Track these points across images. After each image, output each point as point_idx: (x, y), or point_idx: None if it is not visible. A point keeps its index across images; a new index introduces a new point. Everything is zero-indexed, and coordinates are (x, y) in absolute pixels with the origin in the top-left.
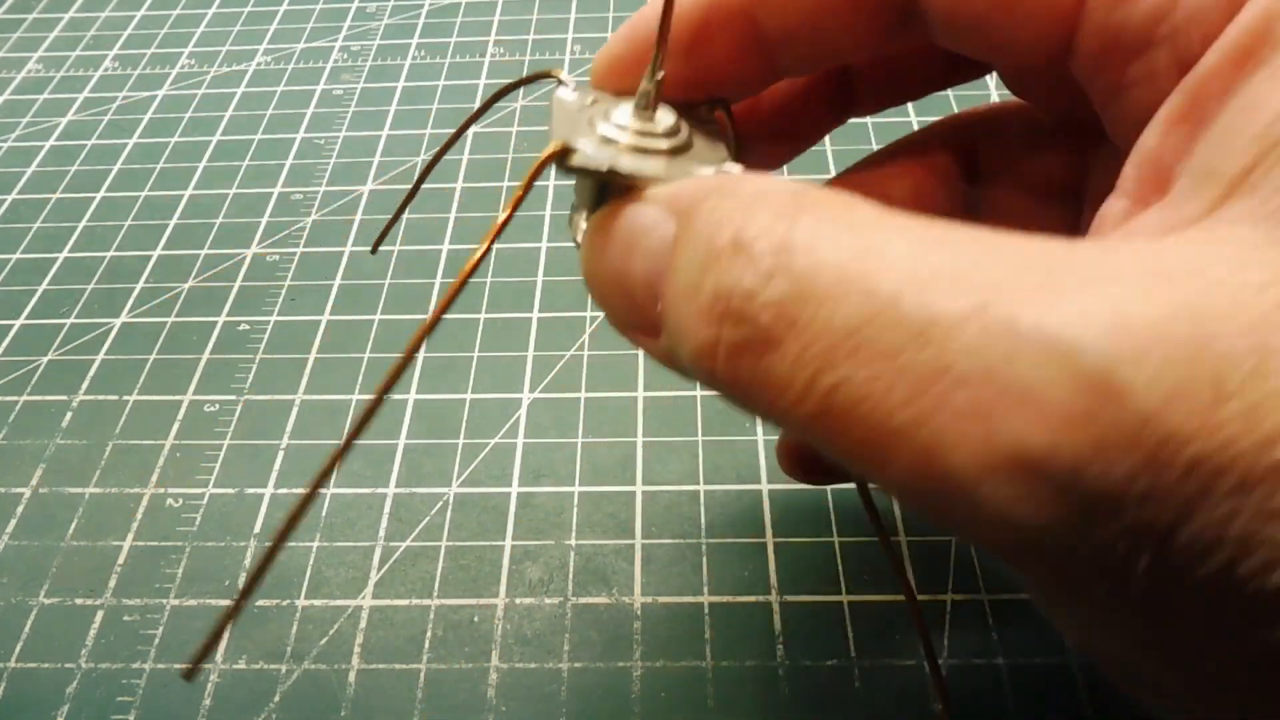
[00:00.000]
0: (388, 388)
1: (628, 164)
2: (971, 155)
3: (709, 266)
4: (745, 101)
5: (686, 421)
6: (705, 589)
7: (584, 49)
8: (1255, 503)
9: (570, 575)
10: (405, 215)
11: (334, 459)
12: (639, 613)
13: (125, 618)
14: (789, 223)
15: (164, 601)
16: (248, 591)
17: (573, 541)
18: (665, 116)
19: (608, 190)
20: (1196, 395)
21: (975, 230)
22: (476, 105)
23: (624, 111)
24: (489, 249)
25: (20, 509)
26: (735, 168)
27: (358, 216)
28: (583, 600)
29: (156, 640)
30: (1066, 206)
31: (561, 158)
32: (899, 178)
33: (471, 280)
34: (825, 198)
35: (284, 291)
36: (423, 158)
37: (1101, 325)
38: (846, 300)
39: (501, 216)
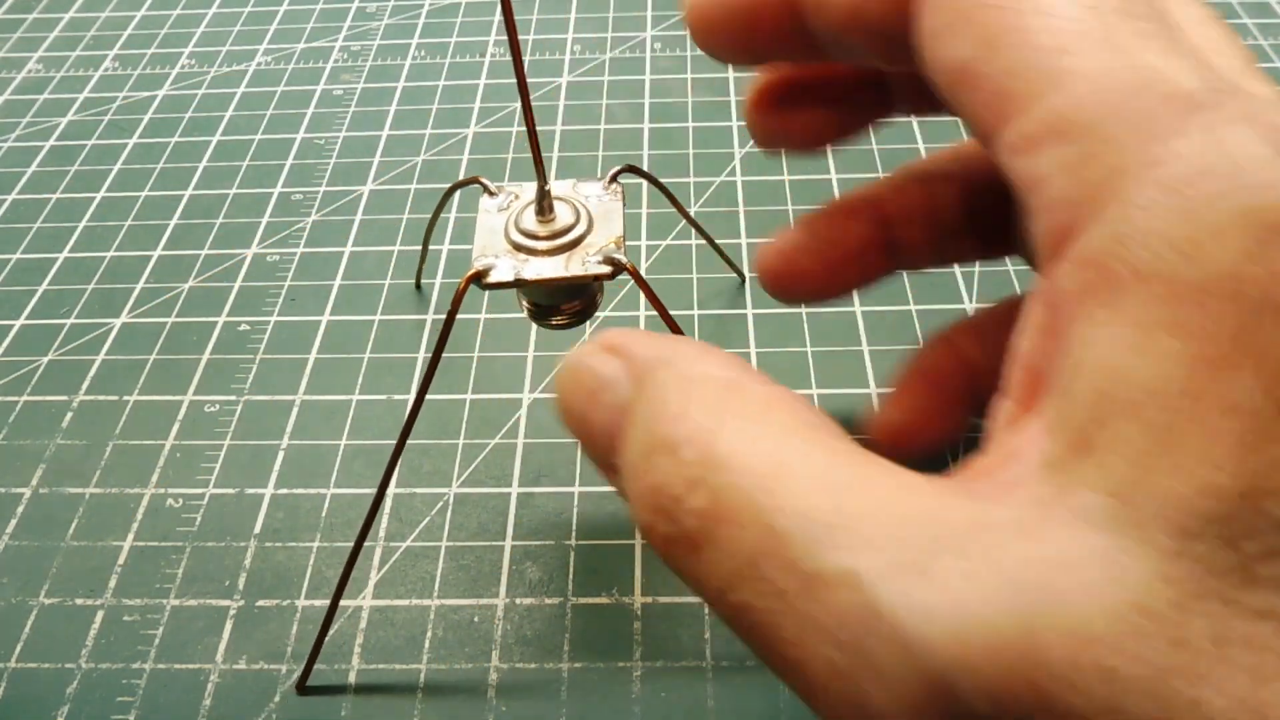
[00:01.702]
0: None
1: (531, 271)
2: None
3: (649, 457)
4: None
5: None
6: None
7: (584, 49)
8: None
9: (570, 575)
10: (405, 215)
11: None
12: (639, 613)
13: (125, 618)
14: (715, 427)
15: (164, 601)
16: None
17: (573, 541)
18: (563, 212)
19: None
20: (1017, 706)
21: (871, 467)
22: (476, 105)
23: (529, 216)
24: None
25: (20, 509)
26: (621, 256)
27: (358, 216)
28: (583, 600)
29: (156, 640)
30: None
31: (479, 279)
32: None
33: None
34: (753, 401)
35: (284, 291)
36: (423, 158)
37: (945, 629)
38: (750, 529)
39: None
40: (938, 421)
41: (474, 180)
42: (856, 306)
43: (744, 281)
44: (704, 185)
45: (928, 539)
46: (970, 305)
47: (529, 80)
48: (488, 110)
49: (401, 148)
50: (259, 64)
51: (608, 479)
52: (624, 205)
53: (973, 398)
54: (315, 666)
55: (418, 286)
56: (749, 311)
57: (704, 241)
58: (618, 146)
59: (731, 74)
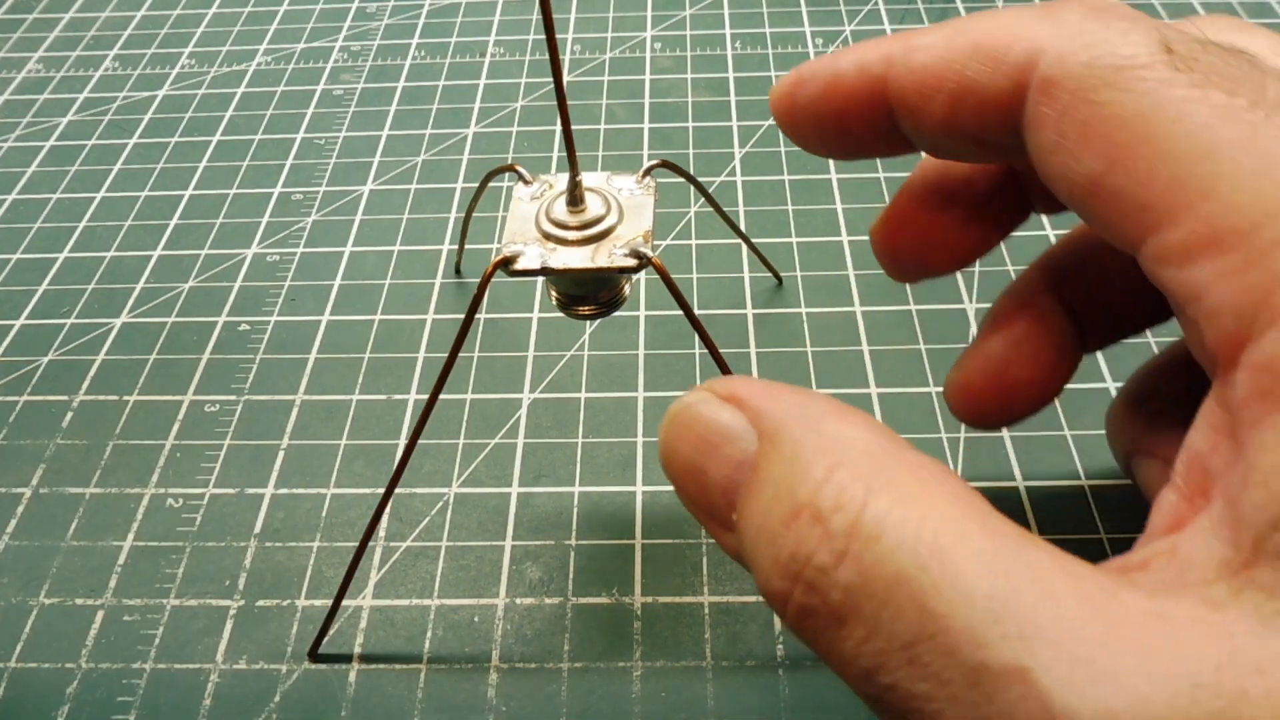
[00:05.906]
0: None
1: (558, 260)
2: (1074, 304)
3: (789, 523)
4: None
5: None
6: (705, 589)
7: (584, 49)
8: None
9: (570, 575)
10: (405, 215)
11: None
12: (639, 613)
13: (125, 618)
14: (863, 497)
15: (164, 601)
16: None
17: (573, 541)
18: (594, 203)
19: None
20: None
21: (1032, 549)
22: (476, 105)
23: (561, 205)
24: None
25: (20, 509)
26: (647, 251)
27: (358, 216)
28: (583, 600)
29: (156, 640)
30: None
31: (506, 265)
32: (1016, 345)
33: (471, 280)
34: (904, 470)
35: (284, 291)
36: (423, 158)
37: None
38: (907, 610)
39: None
40: (1041, 357)
41: (510, 167)
42: (856, 307)
43: (780, 283)
44: (704, 185)
45: (1102, 633)
46: (970, 305)
47: (529, 80)
48: (488, 110)
49: (401, 148)
50: (259, 64)
51: (715, 536)
52: (656, 200)
53: (1074, 344)
54: (314, 667)
55: (457, 271)
56: (749, 311)
57: (704, 241)
58: (618, 146)
59: (731, 74)
